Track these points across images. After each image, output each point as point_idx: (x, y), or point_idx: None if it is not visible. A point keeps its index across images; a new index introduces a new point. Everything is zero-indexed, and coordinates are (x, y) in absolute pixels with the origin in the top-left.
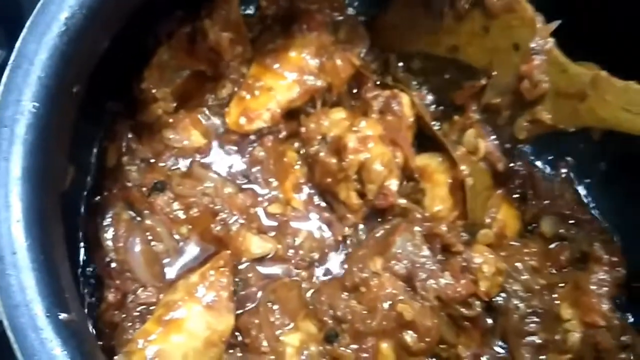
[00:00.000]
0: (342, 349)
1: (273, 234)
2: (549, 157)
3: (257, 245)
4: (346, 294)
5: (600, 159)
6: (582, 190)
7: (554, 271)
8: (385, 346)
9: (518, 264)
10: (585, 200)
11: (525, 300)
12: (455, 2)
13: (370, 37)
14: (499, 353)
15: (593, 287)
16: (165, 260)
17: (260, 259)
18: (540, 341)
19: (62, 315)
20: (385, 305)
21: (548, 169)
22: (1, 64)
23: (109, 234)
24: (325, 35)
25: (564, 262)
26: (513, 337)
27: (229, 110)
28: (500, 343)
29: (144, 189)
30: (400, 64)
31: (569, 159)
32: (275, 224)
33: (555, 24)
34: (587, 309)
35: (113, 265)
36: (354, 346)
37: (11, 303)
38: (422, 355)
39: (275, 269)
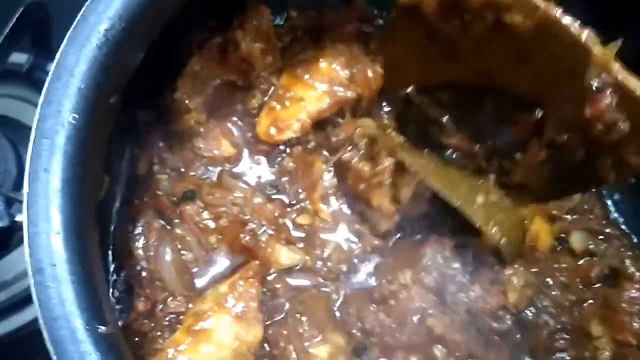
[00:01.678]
0: None
1: (301, 245)
2: None
3: (285, 256)
4: (375, 306)
5: None
6: (611, 206)
7: (583, 287)
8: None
9: (548, 280)
10: (615, 216)
11: (555, 317)
12: (468, 29)
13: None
14: None
15: (624, 305)
16: (194, 270)
17: (289, 270)
18: (569, 358)
19: (101, 328)
20: (415, 319)
21: None
22: (28, 68)
23: (139, 243)
24: (355, 46)
25: (594, 279)
26: (542, 354)
27: (259, 120)
28: (528, 359)
29: (174, 197)
30: (425, 100)
31: None
32: (304, 235)
33: (615, 46)
34: (618, 327)
35: (143, 274)
36: None
37: (50, 315)
38: None
39: (304, 280)
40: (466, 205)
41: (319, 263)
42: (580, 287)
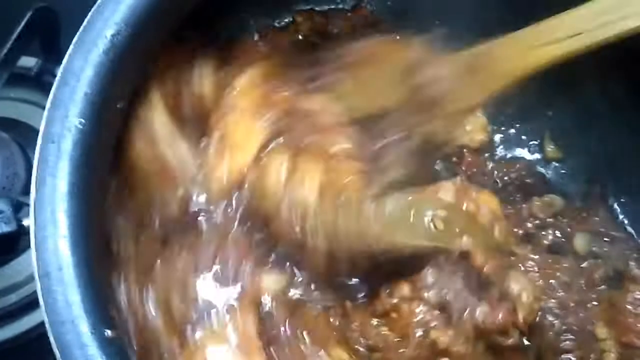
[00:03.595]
0: None
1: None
2: (584, 173)
3: (272, 281)
4: (376, 320)
5: (636, 174)
6: (617, 208)
7: (587, 289)
8: None
9: (552, 281)
10: (620, 218)
11: (560, 317)
12: None
13: None
14: None
15: (629, 307)
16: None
17: (282, 291)
18: (576, 359)
19: (107, 332)
20: (418, 332)
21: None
22: (37, 72)
23: None
24: None
25: (598, 281)
26: (549, 355)
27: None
28: None
29: None
30: None
31: (603, 174)
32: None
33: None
34: (624, 329)
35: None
36: None
37: (57, 320)
38: None
39: (299, 298)
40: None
41: None
42: (584, 288)
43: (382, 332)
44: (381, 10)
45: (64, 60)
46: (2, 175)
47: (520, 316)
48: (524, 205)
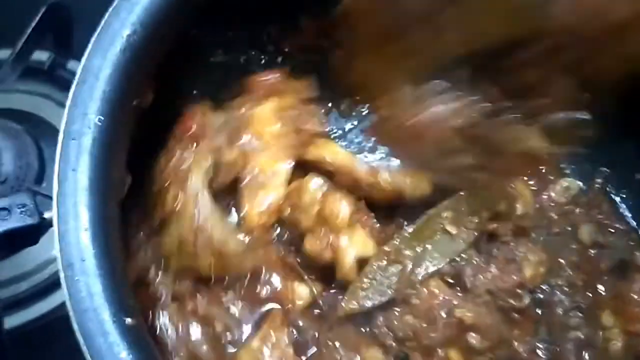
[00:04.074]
0: None
1: (313, 276)
2: (585, 168)
3: (304, 293)
4: (398, 309)
5: (636, 169)
6: (618, 201)
7: (594, 277)
8: (454, 353)
9: (561, 260)
10: (622, 211)
11: (568, 295)
12: None
13: None
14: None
15: (635, 297)
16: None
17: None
18: (583, 336)
19: (128, 320)
20: (443, 313)
21: (584, 179)
22: (50, 66)
23: None
24: None
25: (605, 270)
26: (558, 330)
27: None
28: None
29: None
30: None
31: (604, 169)
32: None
33: None
34: (630, 318)
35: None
36: None
37: (80, 308)
38: (489, 352)
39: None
40: None
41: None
42: (592, 276)
43: (409, 322)
44: None
45: (83, 59)
46: (16, 166)
47: (527, 275)
48: None
